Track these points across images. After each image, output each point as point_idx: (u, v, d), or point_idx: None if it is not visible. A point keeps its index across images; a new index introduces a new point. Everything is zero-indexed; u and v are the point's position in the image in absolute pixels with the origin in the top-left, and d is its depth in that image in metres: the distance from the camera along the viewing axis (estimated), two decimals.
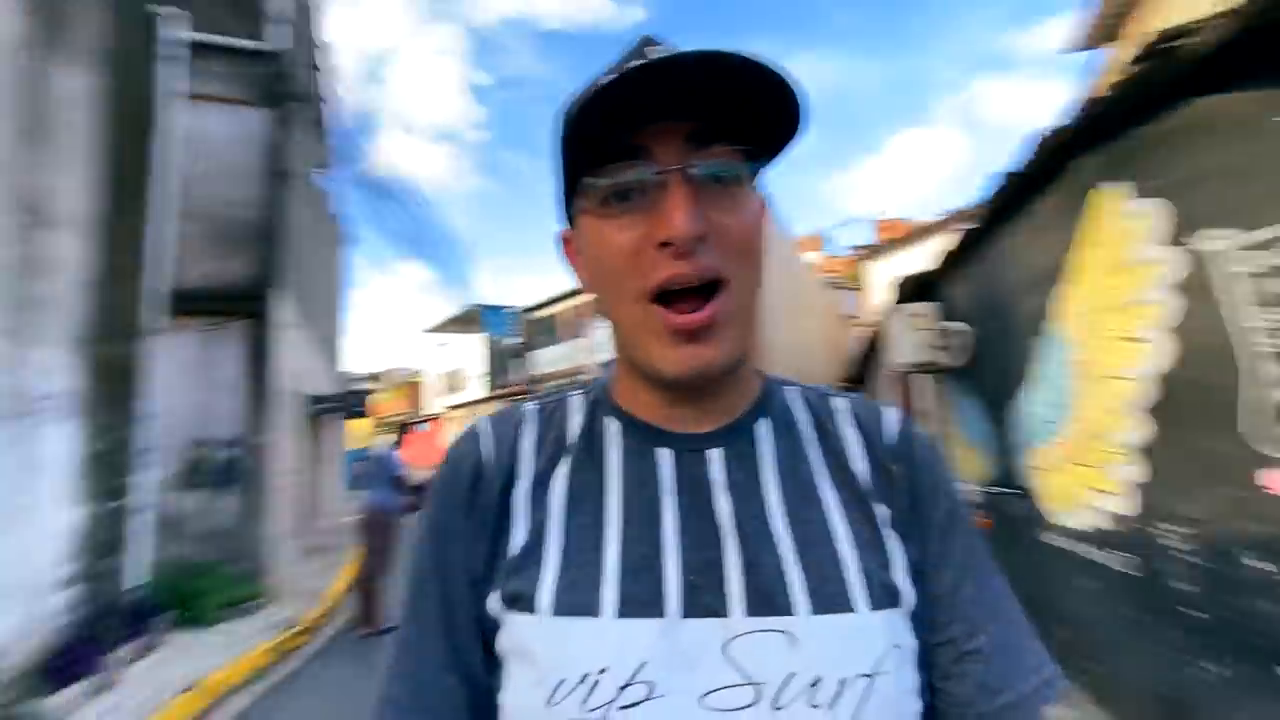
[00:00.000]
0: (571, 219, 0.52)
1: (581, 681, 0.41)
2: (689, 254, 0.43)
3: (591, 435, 0.53)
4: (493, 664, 0.47)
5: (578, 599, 0.44)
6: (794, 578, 0.44)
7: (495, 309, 25.26)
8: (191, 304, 5.42)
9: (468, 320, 25.31)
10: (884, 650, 0.43)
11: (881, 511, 0.49)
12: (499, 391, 24.18)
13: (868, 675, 0.42)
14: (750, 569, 0.44)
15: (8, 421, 3.08)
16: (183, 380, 5.59)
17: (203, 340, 5.85)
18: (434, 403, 34.15)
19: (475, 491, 0.50)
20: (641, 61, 0.40)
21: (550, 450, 0.52)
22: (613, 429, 0.52)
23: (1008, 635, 0.48)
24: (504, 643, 0.46)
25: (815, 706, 0.41)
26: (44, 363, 3.38)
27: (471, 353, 27.54)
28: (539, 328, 24.12)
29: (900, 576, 0.47)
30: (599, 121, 0.43)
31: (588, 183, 0.46)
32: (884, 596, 0.45)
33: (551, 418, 0.55)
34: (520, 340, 23.08)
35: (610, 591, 0.44)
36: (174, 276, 4.79)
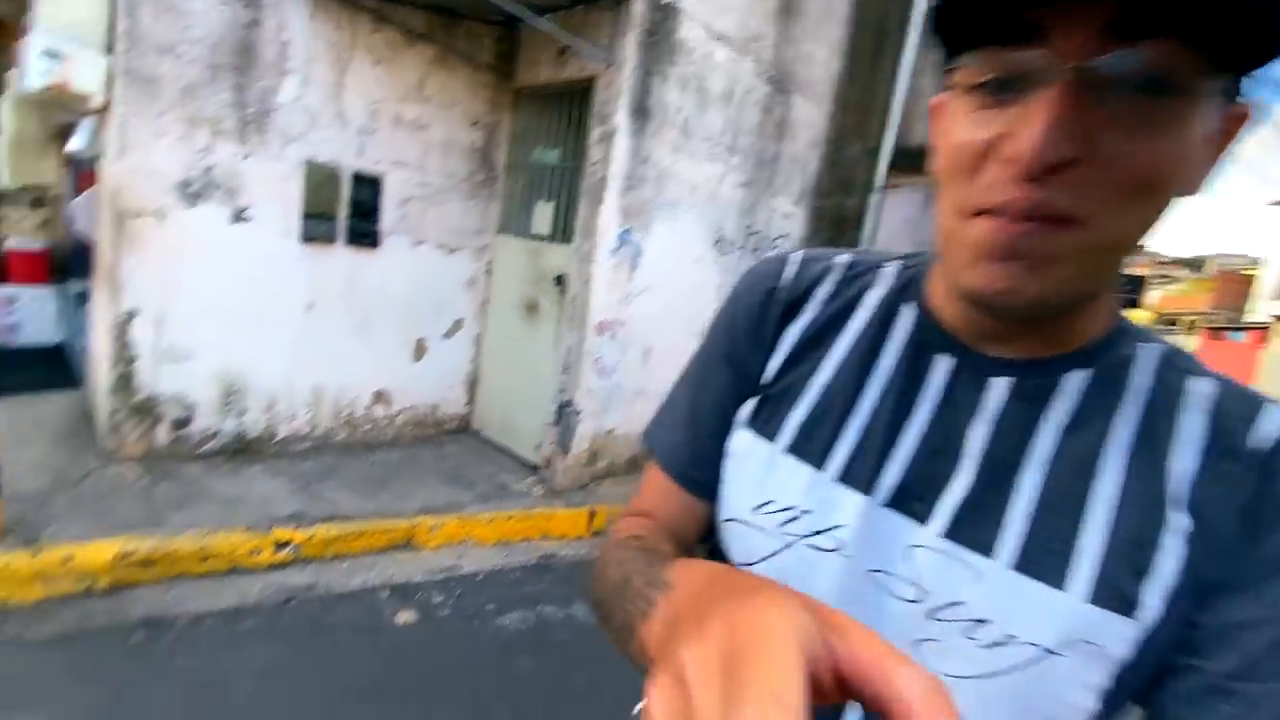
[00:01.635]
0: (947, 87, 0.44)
1: (786, 510, 0.48)
2: (1035, 181, 0.35)
3: (885, 311, 0.52)
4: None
5: (811, 448, 0.49)
6: (1013, 529, 0.42)
7: None
8: (917, 161, 5.37)
9: None
10: (1074, 639, 0.40)
11: (1180, 522, 0.40)
12: None
13: (1042, 648, 0.40)
14: (971, 501, 0.44)
15: (750, 256, 3.94)
16: (903, 234, 5.75)
17: (926, 199, 5.78)
18: (1263, 306, 23.03)
19: (764, 309, 0.55)
20: None
21: (839, 306, 0.53)
22: (907, 317, 0.51)
23: None
24: (736, 445, 0.53)
25: (971, 639, 0.41)
26: (780, 210, 4.11)
27: None
28: None
29: (1154, 595, 0.40)
30: None
31: (965, 60, 0.38)
32: (1111, 599, 0.40)
33: (857, 278, 0.55)
34: None
35: (839, 458, 0.48)
36: (900, 135, 4.85)
